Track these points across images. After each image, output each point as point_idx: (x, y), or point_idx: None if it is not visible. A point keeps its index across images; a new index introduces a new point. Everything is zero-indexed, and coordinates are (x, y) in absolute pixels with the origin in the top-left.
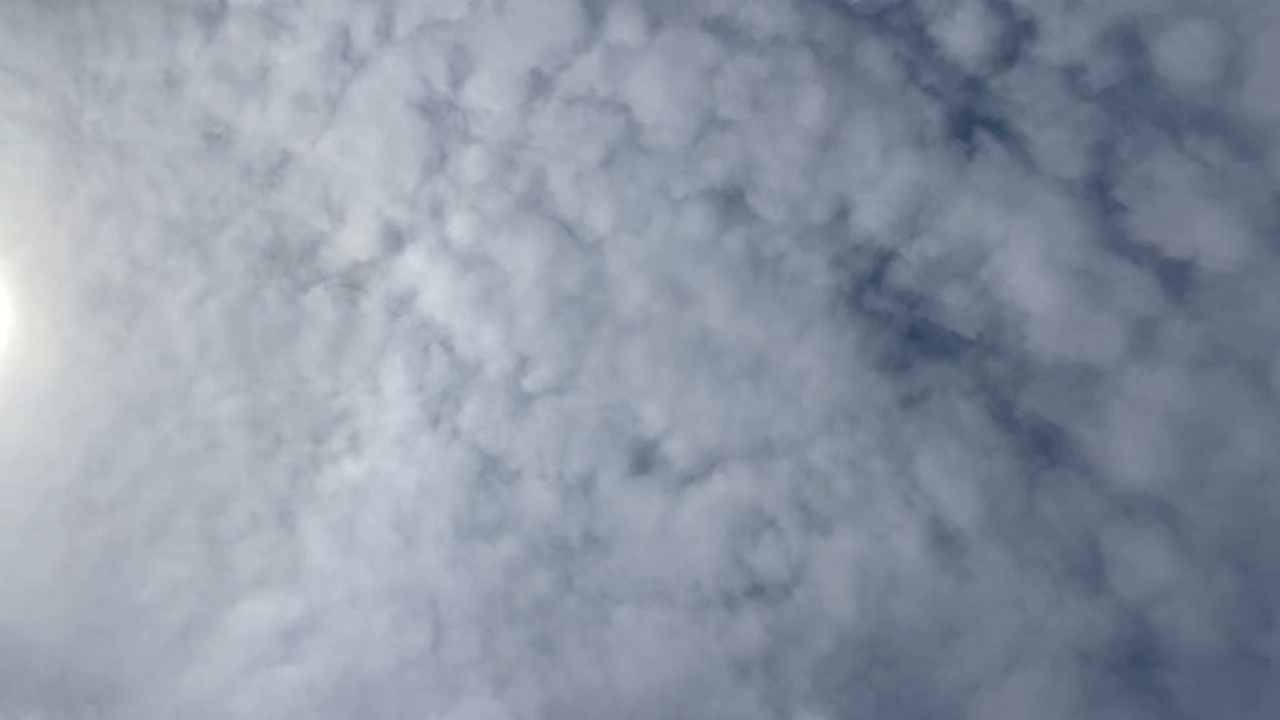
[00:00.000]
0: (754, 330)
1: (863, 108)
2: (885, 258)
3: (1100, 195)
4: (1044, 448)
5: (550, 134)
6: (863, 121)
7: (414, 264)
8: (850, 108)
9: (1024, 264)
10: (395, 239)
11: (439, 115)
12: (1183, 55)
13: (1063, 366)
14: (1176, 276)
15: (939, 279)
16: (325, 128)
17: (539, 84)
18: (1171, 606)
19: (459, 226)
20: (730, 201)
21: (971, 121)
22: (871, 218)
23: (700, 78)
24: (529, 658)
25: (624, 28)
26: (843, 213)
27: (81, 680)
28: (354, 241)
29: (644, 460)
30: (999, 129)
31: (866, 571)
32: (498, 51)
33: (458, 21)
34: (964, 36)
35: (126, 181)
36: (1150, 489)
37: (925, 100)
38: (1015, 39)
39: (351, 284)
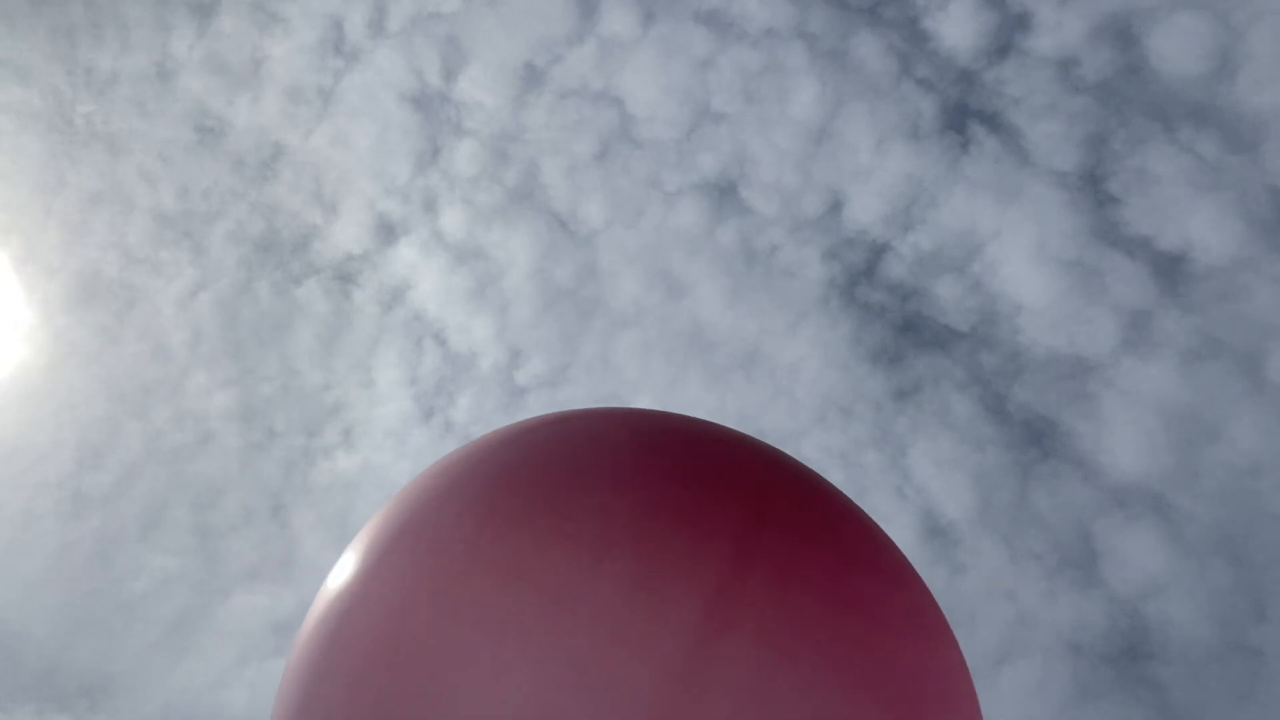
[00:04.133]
0: (747, 323)
1: (856, 100)
2: (878, 251)
3: (1093, 188)
4: (1037, 440)
5: (543, 127)
6: (856, 114)
7: (407, 257)
8: (844, 100)
9: (1017, 257)
10: (388, 232)
11: (432, 108)
12: (1176, 48)
13: (1055, 359)
14: (1170, 269)
15: (932, 272)
16: (318, 121)
17: (532, 77)
18: (1164, 599)
19: (452, 220)
20: (723, 194)
21: (965, 114)
22: (865, 210)
23: (693, 70)
24: None
25: (617, 20)
26: (836, 206)
27: (73, 673)
28: (347, 234)
29: None
30: (992, 121)
31: None
32: (490, 44)
33: (450, 14)
34: (957, 29)
35: (119, 174)
36: (1143, 481)
37: (919, 93)
38: (1009, 32)
39: (344, 277)
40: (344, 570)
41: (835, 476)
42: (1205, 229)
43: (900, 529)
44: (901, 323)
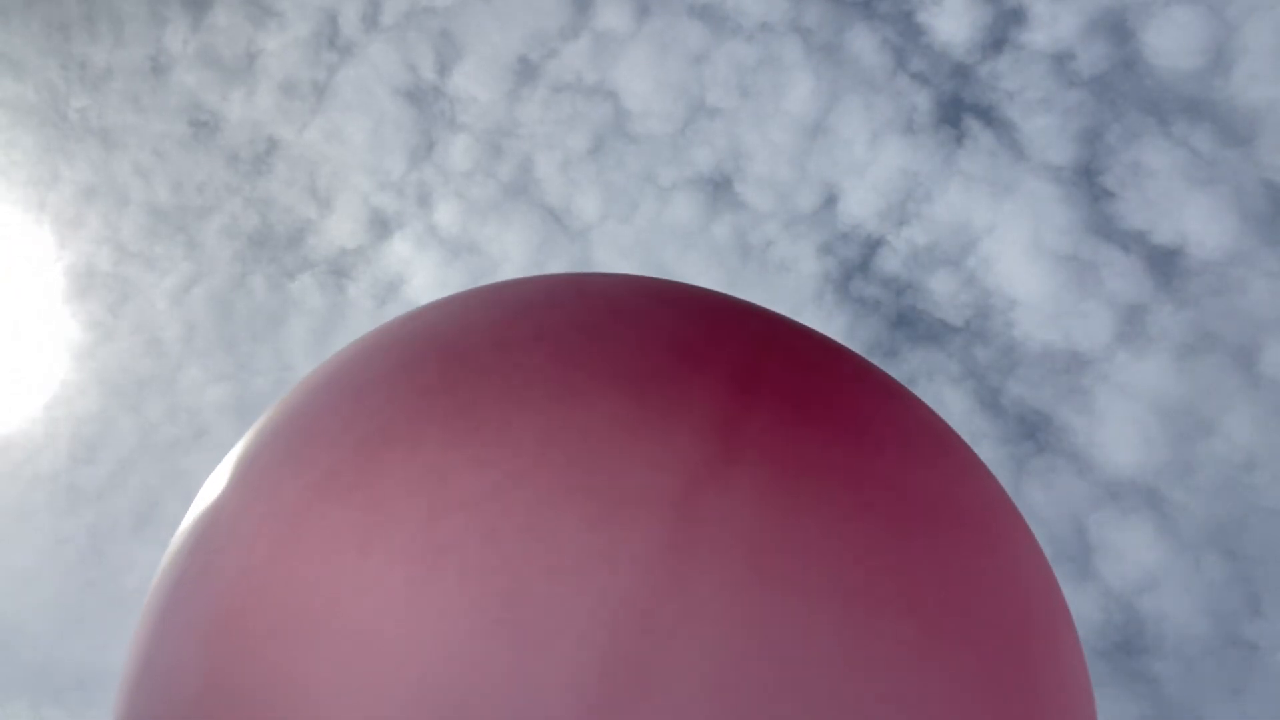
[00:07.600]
0: None
1: (851, 95)
2: (873, 245)
3: (1088, 182)
4: (1031, 434)
5: (538, 121)
6: (851, 108)
7: (401, 251)
8: (838, 94)
9: (1012, 251)
10: (382, 226)
11: (426, 103)
12: (1171, 42)
13: (1050, 353)
14: (1164, 263)
15: (927, 266)
16: (312, 115)
17: (526, 71)
18: (1159, 593)
19: (446, 214)
20: (718, 189)
21: (959, 108)
22: (859, 205)
23: (688, 65)
24: None
25: (611, 15)
26: (830, 200)
27: (67, 667)
28: (341, 228)
29: None
30: (987, 116)
31: None
32: (485, 39)
33: (444, 9)
34: (952, 23)
35: (113, 168)
36: (1138, 476)
37: (913, 87)
38: (1003, 26)
39: (339, 271)
40: (208, 489)
41: None
42: (1200, 223)
43: None
44: (896, 317)
